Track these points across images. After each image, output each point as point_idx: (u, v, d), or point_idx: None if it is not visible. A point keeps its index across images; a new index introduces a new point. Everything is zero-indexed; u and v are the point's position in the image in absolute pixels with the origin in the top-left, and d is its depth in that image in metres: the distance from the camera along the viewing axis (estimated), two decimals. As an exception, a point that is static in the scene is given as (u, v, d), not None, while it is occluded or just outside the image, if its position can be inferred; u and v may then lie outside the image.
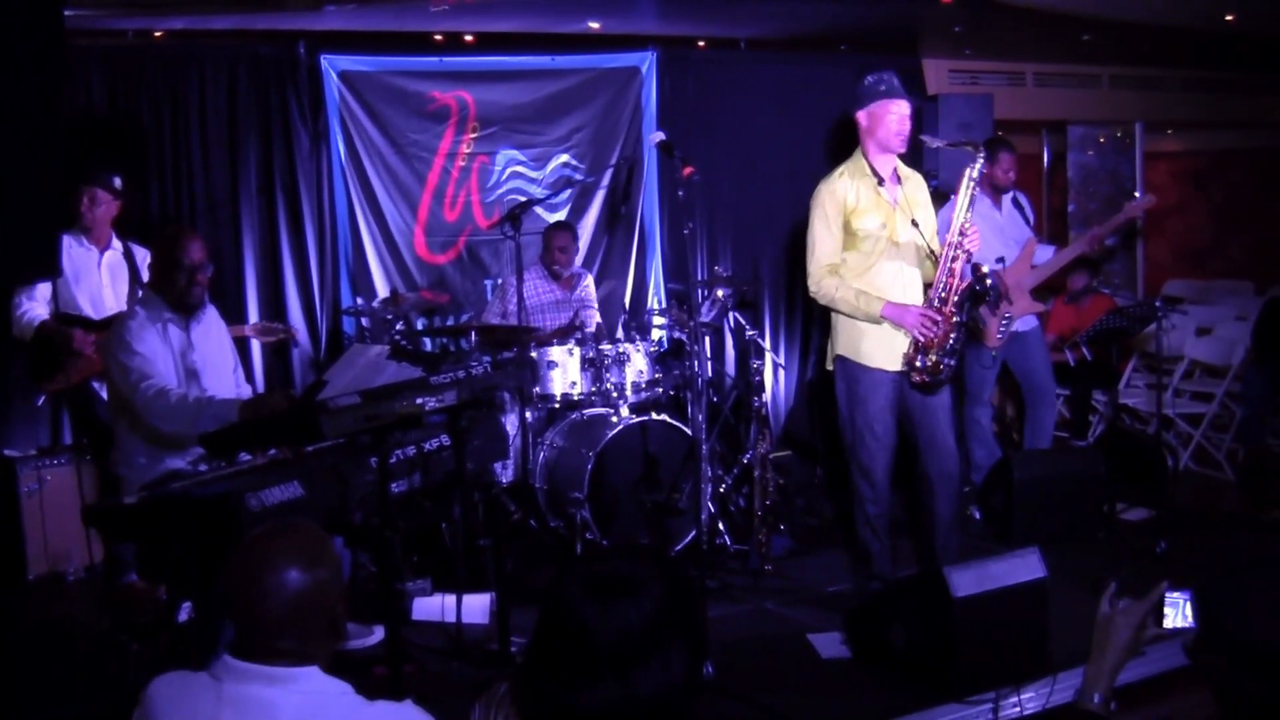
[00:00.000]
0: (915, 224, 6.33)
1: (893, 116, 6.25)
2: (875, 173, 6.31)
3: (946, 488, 6.50)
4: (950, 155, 9.50)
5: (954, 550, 6.53)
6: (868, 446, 6.37)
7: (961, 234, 6.15)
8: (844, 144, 6.54)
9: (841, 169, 6.40)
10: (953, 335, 6.19)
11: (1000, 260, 7.88)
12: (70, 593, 7.26)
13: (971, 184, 6.23)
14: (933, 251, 6.35)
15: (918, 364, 6.23)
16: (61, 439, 8.00)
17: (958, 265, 6.17)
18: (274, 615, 2.68)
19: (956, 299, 6.16)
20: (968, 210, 6.19)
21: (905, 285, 6.33)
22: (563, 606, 2.25)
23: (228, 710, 2.64)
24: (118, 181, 7.33)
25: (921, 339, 6.17)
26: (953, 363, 6.27)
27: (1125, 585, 3.08)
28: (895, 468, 6.49)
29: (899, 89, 6.31)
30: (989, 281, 6.18)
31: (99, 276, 7.17)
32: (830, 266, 6.31)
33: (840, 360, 6.44)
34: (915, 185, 6.52)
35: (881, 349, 6.29)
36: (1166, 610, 2.98)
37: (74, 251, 7.07)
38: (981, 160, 6.27)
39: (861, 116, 6.33)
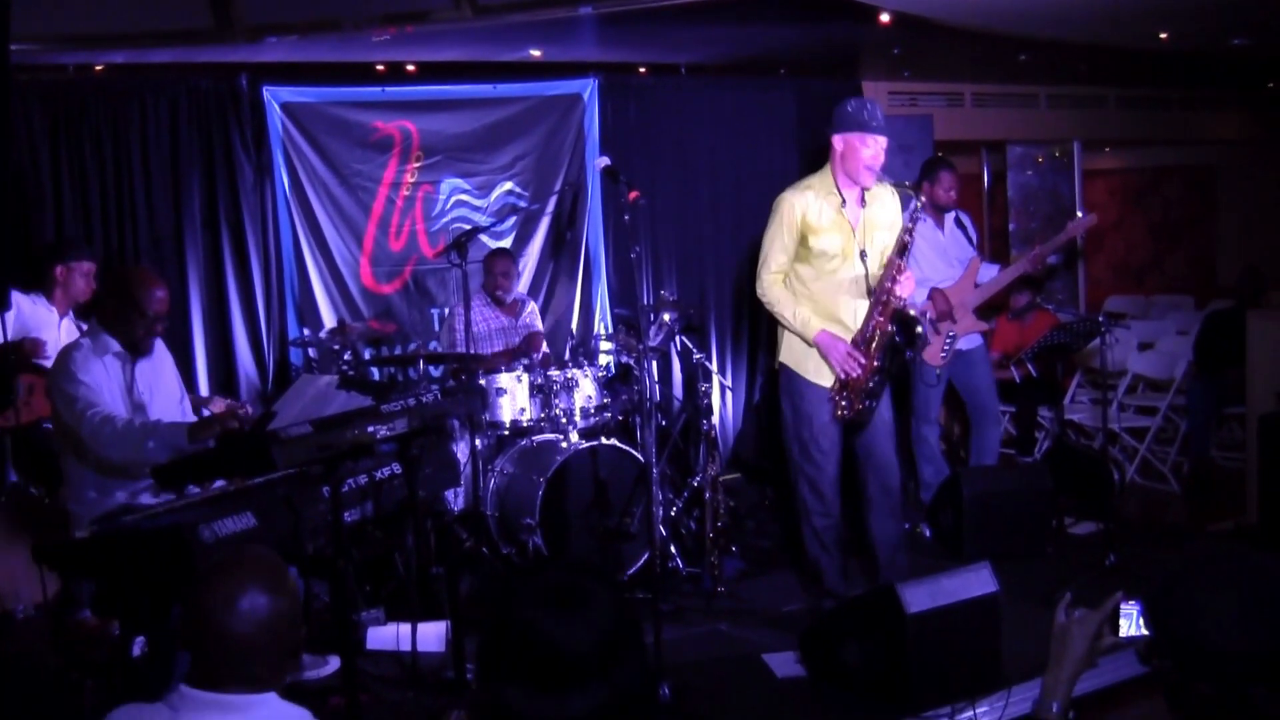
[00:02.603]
0: (863, 255, 6.35)
1: (866, 150, 6.26)
2: (840, 194, 6.35)
3: (887, 501, 6.59)
4: (892, 177, 9.56)
5: (902, 568, 6.61)
6: (813, 459, 6.42)
7: (893, 279, 6.20)
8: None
9: (810, 181, 6.44)
10: (873, 380, 6.26)
11: (937, 288, 7.97)
12: (20, 631, 7.17)
13: (906, 231, 6.26)
14: (865, 262, 6.42)
15: (842, 402, 6.28)
16: (6, 476, 7.92)
17: (887, 308, 6.22)
18: (244, 640, 2.68)
19: (877, 346, 6.22)
20: (902, 256, 6.23)
21: (857, 308, 6.38)
22: (525, 622, 2.26)
23: (185, 740, 2.63)
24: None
25: (843, 376, 6.24)
26: (873, 404, 6.34)
27: (1076, 597, 3.11)
28: (843, 483, 6.54)
29: (878, 123, 6.30)
30: (916, 329, 6.22)
31: (58, 335, 7.11)
32: (780, 274, 6.38)
33: (785, 370, 6.49)
34: (881, 206, 6.52)
35: (825, 365, 6.35)
36: (1122, 619, 3.01)
37: (39, 309, 7.06)
38: (920, 205, 6.29)
39: (836, 141, 6.36)
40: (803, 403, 6.41)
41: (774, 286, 6.38)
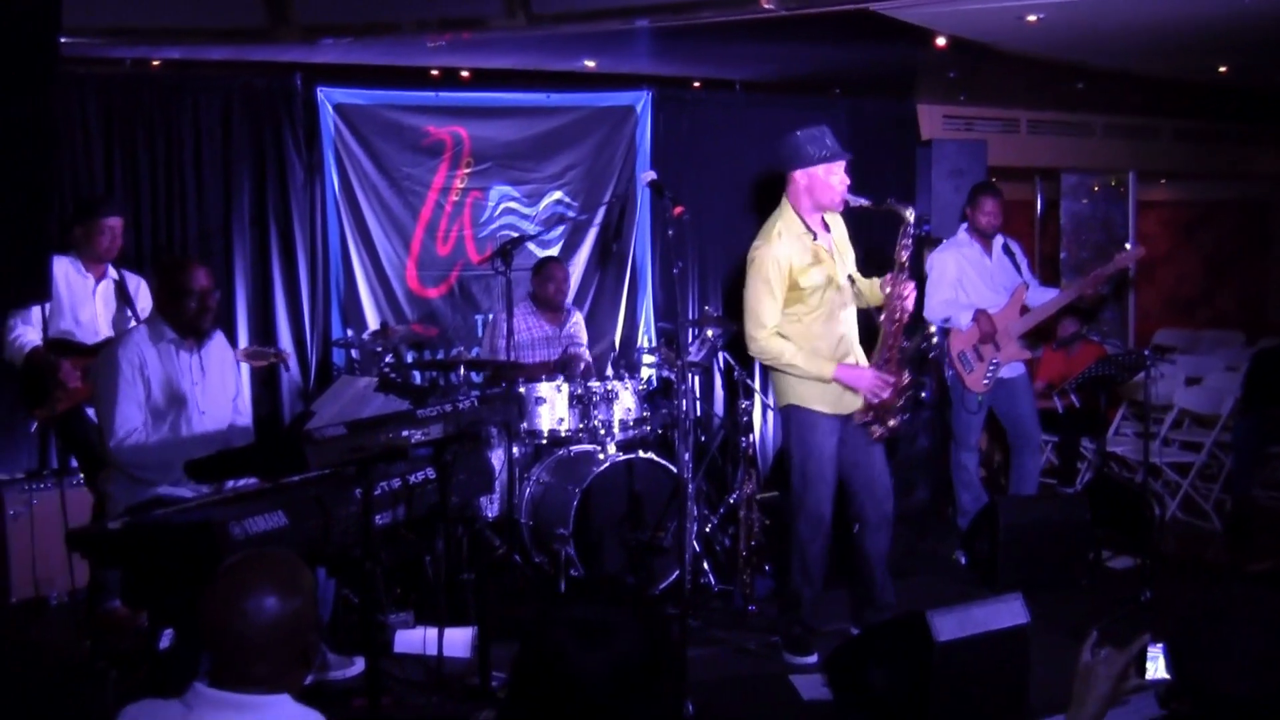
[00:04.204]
0: (852, 280, 6.43)
1: (835, 179, 6.26)
2: (809, 229, 6.32)
3: (884, 525, 6.58)
4: (943, 201, 9.55)
5: (890, 588, 6.67)
6: (817, 492, 6.39)
7: (899, 296, 6.20)
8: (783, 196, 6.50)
9: (777, 229, 6.31)
10: (904, 396, 6.31)
11: (946, 320, 7.97)
12: (53, 617, 7.23)
13: (905, 249, 6.25)
14: (852, 279, 6.51)
15: (873, 420, 6.28)
16: (49, 462, 7.98)
17: (900, 326, 6.25)
18: (249, 641, 2.67)
19: (901, 358, 6.28)
20: (902, 271, 6.25)
21: (847, 329, 6.45)
22: (552, 651, 2.25)
23: (198, 739, 2.63)
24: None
25: (875, 401, 6.22)
26: (906, 416, 6.40)
27: (1108, 634, 3.07)
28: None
29: (840, 149, 6.30)
30: (923, 345, 6.29)
31: (94, 304, 7.15)
32: (774, 329, 6.30)
33: (793, 410, 6.43)
34: (838, 227, 6.58)
35: (827, 394, 6.34)
36: (1149, 661, 2.96)
37: (71, 277, 7.07)
38: (911, 222, 6.25)
39: (799, 176, 6.30)
40: (813, 434, 6.36)
41: (772, 339, 6.29)
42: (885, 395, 6.22)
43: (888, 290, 6.29)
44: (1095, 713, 2.91)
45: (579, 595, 2.49)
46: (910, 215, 6.24)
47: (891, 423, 6.33)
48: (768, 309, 6.28)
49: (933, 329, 6.31)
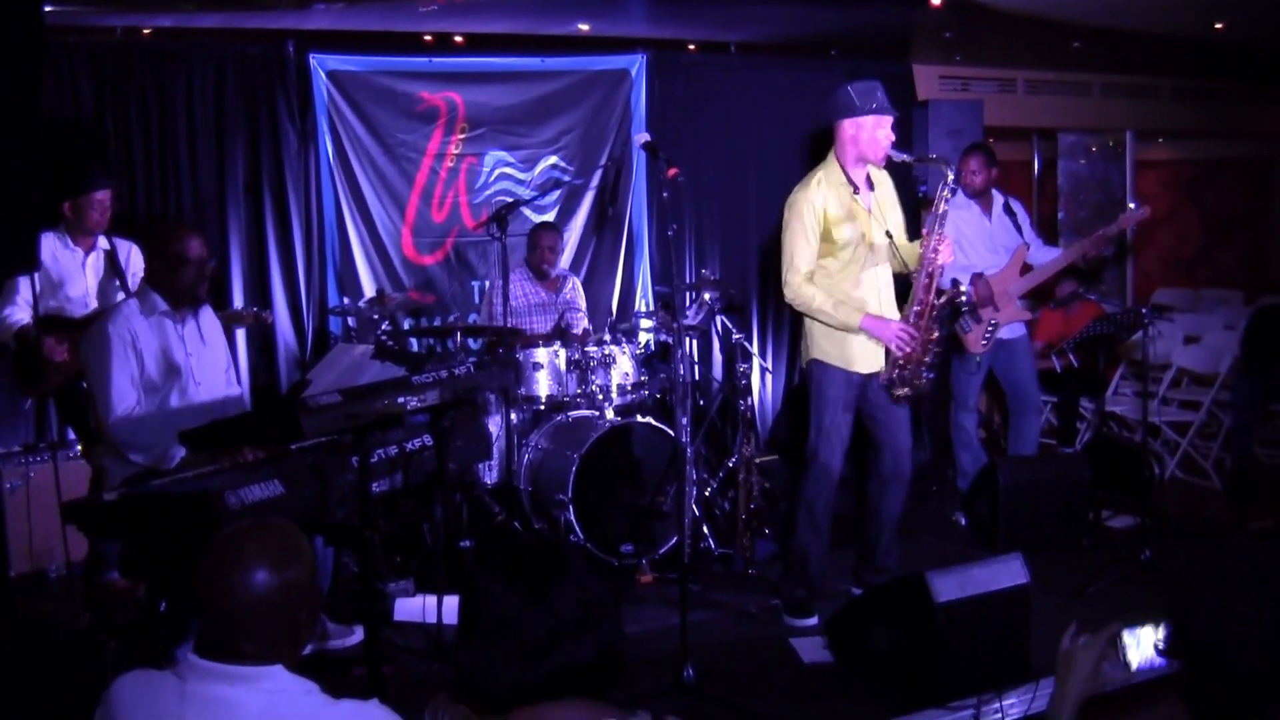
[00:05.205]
0: (889, 235, 6.36)
1: (882, 133, 6.23)
2: (851, 181, 6.30)
3: (899, 488, 6.56)
4: (946, 157, 9.53)
5: (895, 552, 6.68)
6: (834, 445, 6.38)
7: (934, 250, 6.20)
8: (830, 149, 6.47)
9: (818, 176, 6.34)
10: (931, 353, 6.29)
11: (979, 274, 7.93)
12: (51, 590, 7.23)
13: (944, 201, 6.25)
14: (893, 244, 6.42)
15: (897, 378, 6.26)
16: (46, 435, 7.96)
17: (933, 281, 6.24)
18: (236, 614, 2.64)
19: (933, 314, 6.25)
20: (940, 226, 6.24)
21: (880, 289, 6.39)
22: (486, 596, 2.32)
23: (191, 709, 2.60)
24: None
25: (899, 355, 6.20)
26: (933, 375, 6.34)
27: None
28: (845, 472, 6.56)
29: (889, 104, 6.28)
30: (961, 298, 6.30)
31: (84, 278, 7.11)
32: (808, 274, 6.30)
33: (816, 364, 6.43)
34: (885, 186, 6.53)
35: (845, 351, 6.33)
36: (1127, 641, 3.01)
37: (59, 253, 7.02)
38: (952, 177, 6.26)
39: (847, 125, 6.27)
40: (830, 388, 6.36)
41: (805, 285, 6.28)
42: (910, 349, 6.21)
43: (925, 246, 6.30)
44: (1079, 693, 2.95)
45: (511, 540, 2.57)
46: (950, 171, 6.25)
47: (917, 382, 6.30)
48: (803, 253, 6.29)
49: (963, 286, 6.29)
